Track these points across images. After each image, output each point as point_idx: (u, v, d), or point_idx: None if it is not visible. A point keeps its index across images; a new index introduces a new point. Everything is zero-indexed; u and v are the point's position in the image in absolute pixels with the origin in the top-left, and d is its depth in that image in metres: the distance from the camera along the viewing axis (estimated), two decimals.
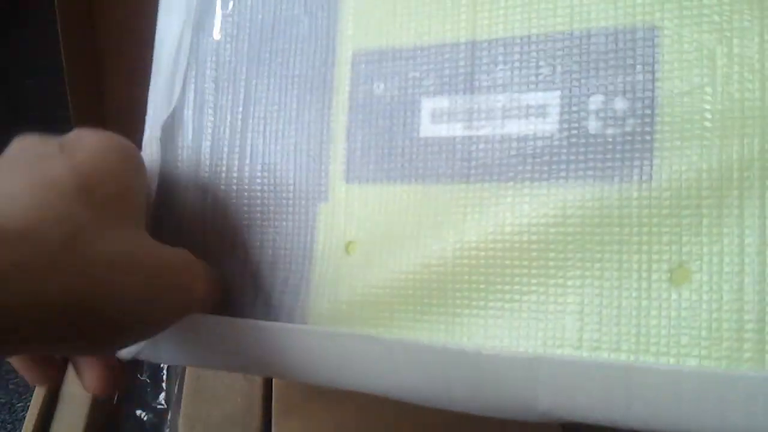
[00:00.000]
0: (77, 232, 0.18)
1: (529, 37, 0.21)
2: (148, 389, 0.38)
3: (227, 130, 0.25)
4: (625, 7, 0.19)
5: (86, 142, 0.21)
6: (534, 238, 0.19)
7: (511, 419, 0.20)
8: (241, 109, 0.25)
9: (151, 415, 0.37)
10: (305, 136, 0.23)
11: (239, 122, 0.25)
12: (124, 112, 0.26)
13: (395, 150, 0.22)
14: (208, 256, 0.24)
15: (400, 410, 0.35)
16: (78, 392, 0.36)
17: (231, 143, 0.25)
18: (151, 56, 0.27)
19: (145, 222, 0.23)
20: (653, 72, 0.19)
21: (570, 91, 0.20)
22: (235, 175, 0.24)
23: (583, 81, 0.20)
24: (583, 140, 0.19)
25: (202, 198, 0.25)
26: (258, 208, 0.24)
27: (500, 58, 0.21)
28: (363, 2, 0.23)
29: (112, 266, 0.19)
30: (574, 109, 0.20)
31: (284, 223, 0.23)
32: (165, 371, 0.39)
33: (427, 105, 0.22)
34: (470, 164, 0.21)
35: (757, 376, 0.16)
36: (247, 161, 0.24)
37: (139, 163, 0.23)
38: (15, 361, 0.24)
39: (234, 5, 0.25)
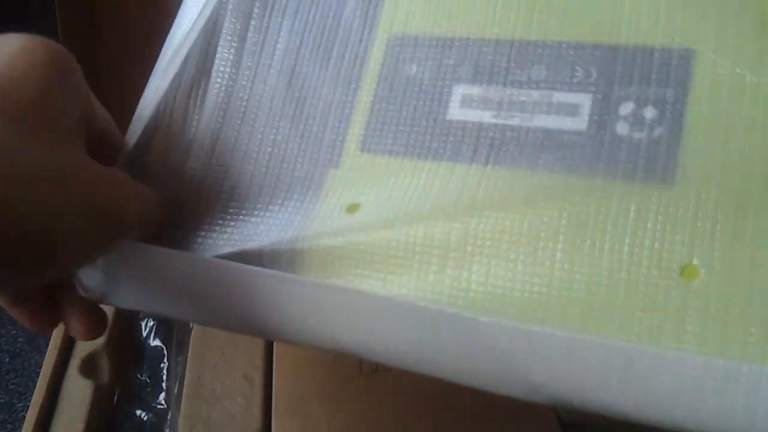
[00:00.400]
0: None
1: (569, 42, 0.22)
2: (148, 389, 0.38)
3: (248, 89, 0.25)
4: (665, 27, 0.21)
5: (6, 45, 0.19)
6: (545, 224, 0.20)
7: (500, 392, 0.20)
8: (266, 71, 0.25)
9: (151, 415, 0.37)
10: (329, 107, 0.24)
11: (263, 83, 0.25)
12: (124, 112, 0.26)
13: (418, 127, 0.23)
14: (200, 194, 0.24)
15: (400, 411, 0.35)
16: (78, 392, 0.36)
17: (250, 101, 0.25)
18: (152, 56, 0.27)
19: (124, 160, 0.23)
20: (685, 89, 0.20)
21: (602, 96, 0.21)
22: (247, 134, 0.25)
23: (616, 88, 0.21)
24: (609, 140, 0.20)
25: (209, 149, 0.25)
26: (267, 168, 0.24)
27: (538, 58, 0.22)
28: None
29: (30, 180, 0.17)
30: (604, 111, 0.21)
31: (294, 185, 0.24)
32: (165, 371, 0.39)
33: (459, 91, 0.23)
34: (491, 150, 0.21)
35: (759, 370, 0.16)
36: (263, 122, 0.25)
37: (70, 67, 0.21)
38: (12, 311, 0.24)
39: None
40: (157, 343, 0.40)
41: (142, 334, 0.40)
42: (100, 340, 0.38)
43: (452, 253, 0.20)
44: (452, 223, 0.21)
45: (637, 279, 0.18)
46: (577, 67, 0.21)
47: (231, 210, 0.24)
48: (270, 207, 0.23)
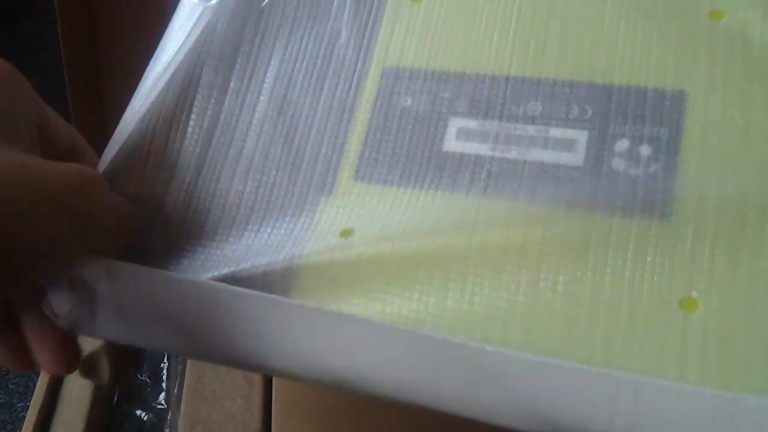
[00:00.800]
0: None
1: (564, 81, 0.22)
2: (148, 389, 0.38)
3: (236, 114, 0.25)
4: (657, 69, 0.22)
5: None
6: (546, 255, 0.20)
7: (503, 423, 0.19)
8: (255, 97, 0.25)
9: (151, 415, 0.37)
10: (322, 135, 0.24)
11: (252, 110, 0.25)
12: (124, 112, 0.26)
13: (413, 158, 0.23)
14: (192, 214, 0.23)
15: (399, 413, 0.35)
16: (78, 392, 0.36)
17: (238, 127, 0.25)
18: (152, 56, 0.27)
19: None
20: (678, 128, 0.21)
21: (598, 132, 0.21)
22: (234, 159, 0.24)
23: (611, 126, 0.21)
24: (606, 175, 0.21)
25: (195, 172, 0.24)
26: (257, 193, 0.24)
27: (533, 94, 0.23)
28: (404, 25, 0.25)
29: None
30: (600, 147, 0.21)
31: (285, 211, 0.23)
32: (165, 371, 0.39)
33: (454, 123, 0.23)
34: (488, 180, 0.22)
35: (766, 402, 0.17)
36: (252, 146, 0.24)
37: (18, 80, 0.21)
38: None
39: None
40: None
41: None
42: (100, 340, 0.38)
43: (452, 282, 0.20)
44: (452, 250, 0.21)
45: (637, 311, 0.19)
46: (573, 105, 0.22)
47: (219, 232, 0.23)
48: (261, 230, 0.23)
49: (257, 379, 0.36)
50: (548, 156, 0.22)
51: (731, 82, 0.21)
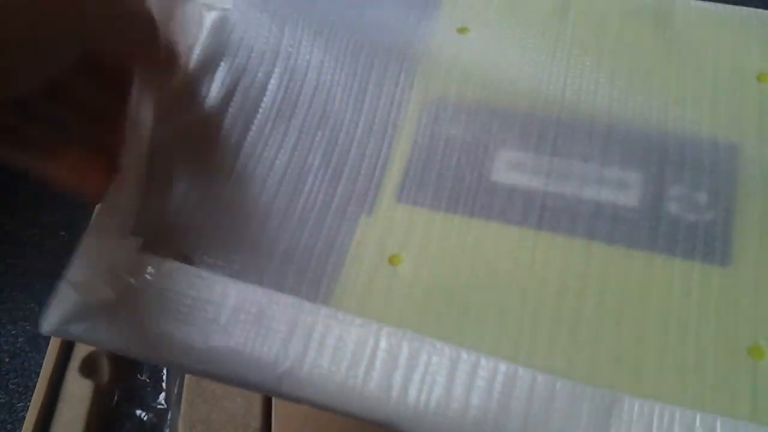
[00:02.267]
0: None
1: (617, 123, 0.22)
2: (148, 389, 0.38)
3: (272, 124, 0.24)
4: (711, 120, 0.22)
5: None
6: (608, 297, 0.20)
7: None
8: (291, 108, 0.24)
9: (151, 415, 0.37)
10: (363, 151, 0.23)
11: (288, 121, 0.24)
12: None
13: (461, 183, 0.22)
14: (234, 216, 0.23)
15: None
16: (78, 392, 0.36)
17: (277, 135, 0.24)
18: None
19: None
20: (734, 179, 0.21)
21: (652, 176, 0.21)
22: (273, 166, 0.24)
23: (666, 170, 0.21)
24: (665, 218, 0.21)
25: (226, 177, 0.24)
26: (291, 198, 0.23)
27: (587, 135, 0.22)
28: (449, 56, 0.24)
29: None
30: (657, 191, 0.21)
31: (324, 224, 0.22)
32: (165, 371, 0.39)
33: (503, 155, 0.22)
34: (543, 213, 0.21)
35: None
36: (288, 155, 0.24)
37: None
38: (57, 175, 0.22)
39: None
40: None
41: None
42: None
43: (509, 318, 0.20)
44: (510, 284, 0.20)
45: (705, 357, 0.19)
46: (626, 147, 0.22)
47: (251, 238, 0.22)
48: (294, 237, 0.22)
49: None
50: (604, 195, 0.21)
51: None
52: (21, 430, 0.33)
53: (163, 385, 0.38)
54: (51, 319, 0.21)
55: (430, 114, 0.23)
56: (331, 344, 0.20)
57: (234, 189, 0.23)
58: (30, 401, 0.35)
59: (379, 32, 0.25)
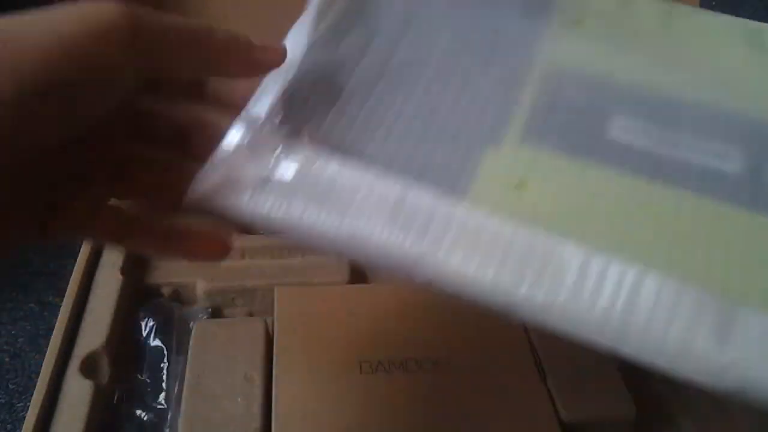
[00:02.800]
0: None
1: (728, 111, 0.26)
2: (148, 389, 0.38)
3: (403, 76, 0.27)
4: None
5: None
6: (714, 245, 0.22)
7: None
8: (427, 52, 0.28)
9: (151, 415, 0.37)
10: (491, 90, 0.27)
11: (418, 75, 0.27)
12: None
13: (580, 133, 0.25)
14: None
15: (400, 411, 0.35)
16: (78, 392, 0.36)
17: (408, 83, 0.27)
18: None
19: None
20: None
21: (756, 149, 0.25)
22: (408, 88, 0.27)
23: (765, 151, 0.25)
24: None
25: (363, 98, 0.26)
26: (420, 112, 0.26)
27: (695, 118, 0.26)
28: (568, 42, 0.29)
29: None
30: (758, 161, 0.25)
31: (458, 147, 0.25)
32: (165, 371, 0.39)
33: (618, 120, 0.26)
34: (657, 167, 0.24)
35: None
36: (423, 84, 0.27)
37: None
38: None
39: None
40: (157, 343, 0.40)
41: (142, 334, 0.40)
42: (100, 340, 0.38)
43: (629, 244, 0.22)
44: (629, 221, 0.23)
45: None
46: (730, 129, 0.26)
47: (377, 137, 0.25)
48: (433, 156, 0.24)
49: (257, 379, 0.36)
50: (709, 161, 0.25)
51: None
52: (21, 430, 0.33)
53: (163, 385, 0.38)
54: (197, 188, 0.22)
55: (552, 82, 0.27)
56: (467, 236, 0.21)
57: (383, 90, 0.26)
58: (30, 401, 0.34)
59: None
